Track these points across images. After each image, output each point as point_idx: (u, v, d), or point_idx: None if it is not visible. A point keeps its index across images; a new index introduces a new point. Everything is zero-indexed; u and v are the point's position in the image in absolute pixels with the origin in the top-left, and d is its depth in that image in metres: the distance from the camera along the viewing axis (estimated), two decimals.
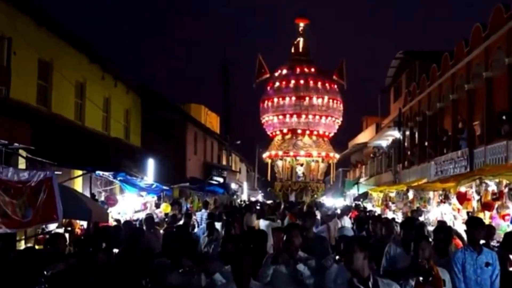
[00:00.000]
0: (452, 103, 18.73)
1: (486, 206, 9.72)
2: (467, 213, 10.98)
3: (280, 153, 40.48)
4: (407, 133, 26.16)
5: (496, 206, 9.43)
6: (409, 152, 25.63)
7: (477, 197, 10.30)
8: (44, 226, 9.05)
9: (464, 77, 17.35)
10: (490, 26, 14.88)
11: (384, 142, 33.05)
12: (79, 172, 11.42)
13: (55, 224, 9.14)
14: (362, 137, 41.40)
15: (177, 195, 19.46)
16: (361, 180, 36.42)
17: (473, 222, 6.24)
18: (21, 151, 8.92)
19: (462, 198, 10.94)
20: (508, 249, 6.75)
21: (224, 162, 37.91)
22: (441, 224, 9.04)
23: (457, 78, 18.07)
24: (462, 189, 11.22)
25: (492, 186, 9.71)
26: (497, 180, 9.44)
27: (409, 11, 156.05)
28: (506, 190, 9.11)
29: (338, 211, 17.46)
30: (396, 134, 27.98)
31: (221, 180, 30.30)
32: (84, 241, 6.79)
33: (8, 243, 7.44)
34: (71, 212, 7.96)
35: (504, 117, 13.23)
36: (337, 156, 42.56)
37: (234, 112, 50.26)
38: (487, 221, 9.65)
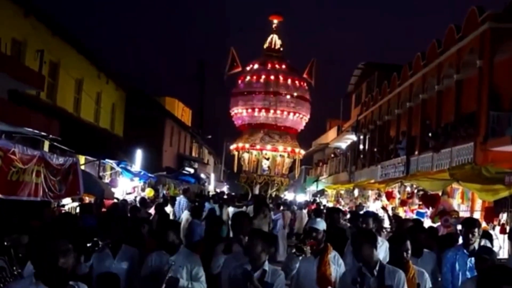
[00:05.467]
0: (396, 116, 21.75)
1: (402, 202, 12.77)
2: (392, 208, 14.06)
3: (247, 145, 41.91)
4: (362, 138, 29.03)
5: (409, 203, 12.44)
6: (362, 155, 28.60)
7: (398, 196, 13.36)
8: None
9: (407, 96, 20.28)
10: (428, 56, 17.90)
11: (344, 144, 35.70)
12: (83, 159, 13.94)
13: (68, 199, 11.70)
14: (325, 138, 43.91)
15: (153, 182, 22.00)
16: (321, 178, 39.06)
17: (468, 223, 5.77)
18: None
19: (389, 196, 13.97)
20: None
21: (193, 154, 40.20)
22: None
23: (402, 96, 21.04)
24: (395, 188, 14.29)
25: (408, 188, 12.74)
26: (411, 184, 12.44)
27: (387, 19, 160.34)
28: (415, 191, 12.12)
29: (294, 206, 20.86)
30: (353, 137, 30.81)
31: (192, 170, 32.74)
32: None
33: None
34: (90, 189, 10.55)
35: (430, 134, 16.21)
36: (303, 152, 44.70)
37: (207, 106, 52.21)
38: (402, 214, 12.71)
